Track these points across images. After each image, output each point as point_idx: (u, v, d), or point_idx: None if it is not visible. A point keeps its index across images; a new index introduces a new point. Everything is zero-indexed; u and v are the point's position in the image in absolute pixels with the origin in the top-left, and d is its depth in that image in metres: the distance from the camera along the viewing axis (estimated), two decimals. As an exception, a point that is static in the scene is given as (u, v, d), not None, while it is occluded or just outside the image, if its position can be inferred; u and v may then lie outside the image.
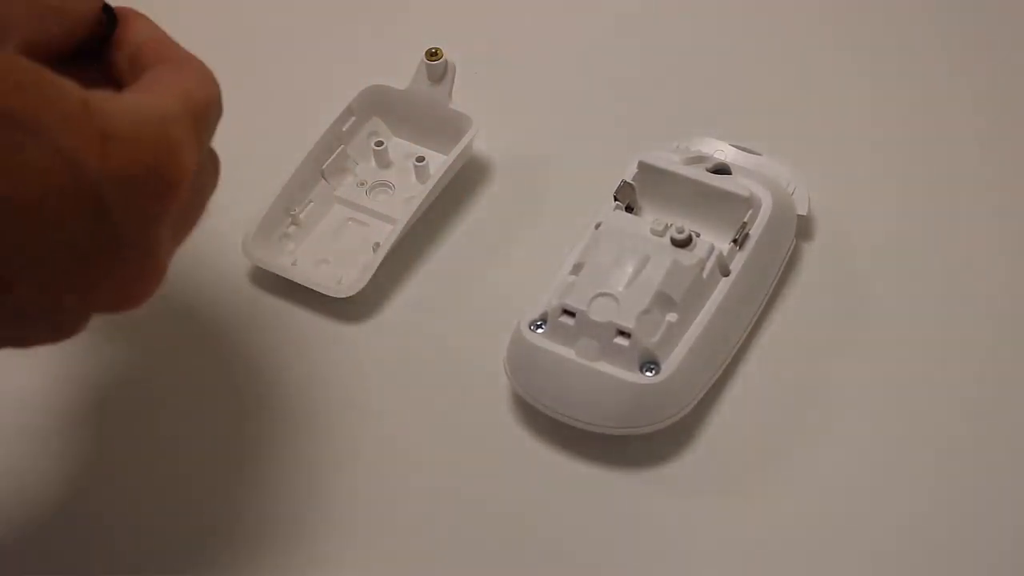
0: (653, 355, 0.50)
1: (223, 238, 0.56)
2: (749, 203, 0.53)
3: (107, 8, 0.42)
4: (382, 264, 0.55)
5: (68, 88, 0.36)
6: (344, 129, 0.59)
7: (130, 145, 0.36)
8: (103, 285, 0.37)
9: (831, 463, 0.51)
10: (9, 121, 0.34)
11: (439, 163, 0.58)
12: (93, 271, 0.37)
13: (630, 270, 0.50)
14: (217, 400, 0.54)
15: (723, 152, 0.57)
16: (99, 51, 0.42)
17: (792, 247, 0.55)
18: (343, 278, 0.55)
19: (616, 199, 0.54)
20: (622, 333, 0.49)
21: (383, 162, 0.60)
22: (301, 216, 0.58)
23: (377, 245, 0.56)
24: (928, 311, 0.55)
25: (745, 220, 0.52)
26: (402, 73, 0.59)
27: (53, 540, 0.50)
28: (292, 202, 0.57)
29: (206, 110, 0.40)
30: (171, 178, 0.37)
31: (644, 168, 0.54)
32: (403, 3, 0.68)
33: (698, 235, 0.51)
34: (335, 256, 0.57)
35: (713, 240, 0.52)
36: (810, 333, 0.55)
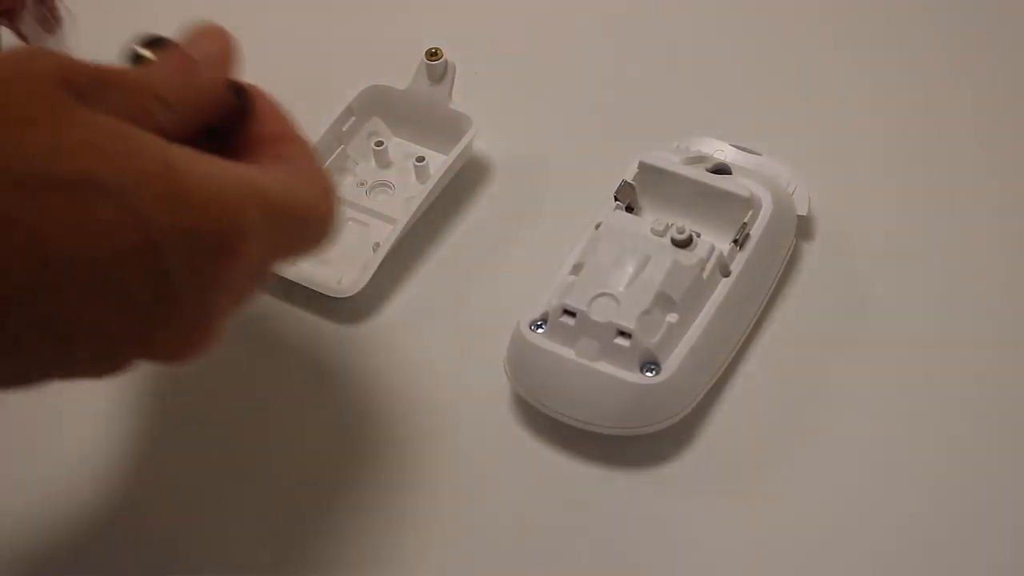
0: (653, 355, 0.50)
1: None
2: (749, 203, 0.53)
3: (240, 92, 0.42)
4: (382, 264, 0.55)
5: (150, 146, 0.36)
6: (344, 129, 0.59)
7: (201, 207, 0.36)
8: (157, 340, 0.37)
9: (831, 463, 0.51)
10: (84, 182, 0.34)
11: (439, 163, 0.58)
12: (149, 327, 0.37)
13: (630, 270, 0.50)
14: (216, 400, 0.54)
15: (723, 152, 0.57)
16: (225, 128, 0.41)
17: (792, 247, 0.55)
18: (343, 278, 0.55)
19: (616, 199, 0.54)
20: (622, 333, 0.49)
21: (383, 162, 0.60)
22: (301, 216, 0.58)
23: (377, 245, 0.56)
24: (928, 311, 0.55)
25: (745, 220, 0.52)
26: (402, 73, 0.59)
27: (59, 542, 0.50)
28: (292, 202, 0.57)
29: (301, 219, 0.40)
30: (231, 247, 0.37)
31: (644, 168, 0.54)
32: (403, 3, 0.68)
33: (698, 235, 0.51)
34: (335, 256, 0.57)
35: (713, 240, 0.52)
36: (810, 333, 0.55)
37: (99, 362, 0.37)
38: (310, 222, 0.41)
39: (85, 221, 0.34)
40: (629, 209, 0.54)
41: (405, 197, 0.58)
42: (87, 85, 0.36)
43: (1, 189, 0.33)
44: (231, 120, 0.41)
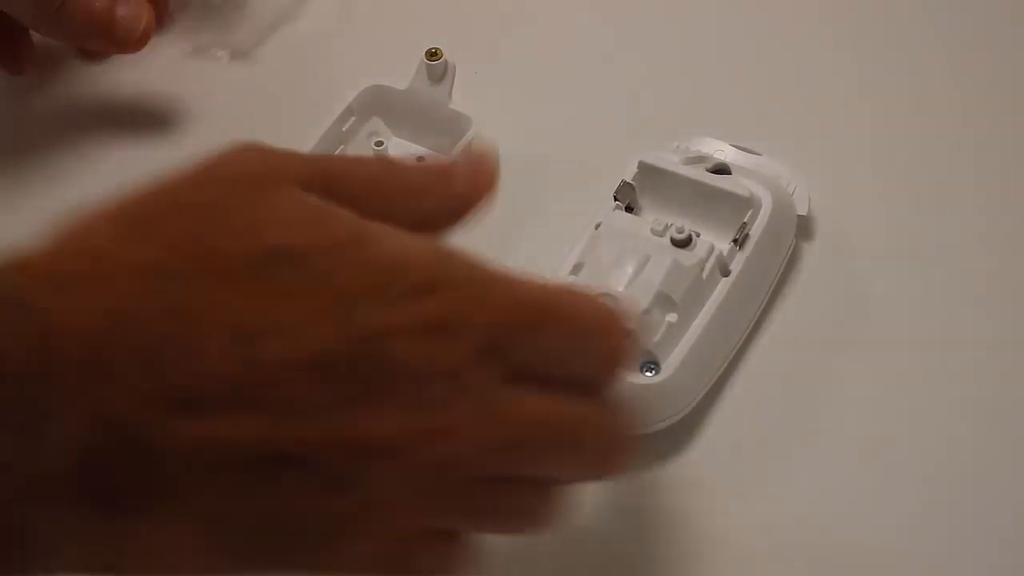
0: (653, 355, 0.50)
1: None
2: (749, 203, 0.53)
3: None
4: (382, 264, 0.55)
5: (344, 217, 0.35)
6: (344, 129, 0.59)
7: (389, 270, 0.34)
8: (366, 432, 0.34)
9: (831, 463, 0.51)
10: (272, 256, 0.33)
11: (439, 163, 0.58)
12: (359, 412, 0.34)
13: (630, 270, 0.50)
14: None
15: (723, 152, 0.57)
16: None
17: (792, 247, 0.55)
18: (343, 278, 0.55)
19: (616, 199, 0.54)
20: None
21: (383, 162, 0.60)
22: (301, 216, 0.57)
23: (377, 245, 0.56)
24: (928, 311, 0.55)
25: (745, 220, 0.52)
26: (402, 73, 0.59)
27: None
28: (292, 202, 0.57)
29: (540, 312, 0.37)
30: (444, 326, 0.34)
31: (644, 168, 0.54)
32: (403, 3, 0.68)
33: (698, 235, 0.51)
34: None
35: (713, 240, 0.52)
36: (810, 333, 0.55)
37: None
38: (563, 324, 0.37)
39: (277, 294, 0.33)
40: (629, 209, 0.54)
41: (405, 197, 0.58)
42: (318, 178, 0.36)
43: (190, 268, 0.33)
44: None
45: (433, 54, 0.58)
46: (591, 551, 0.49)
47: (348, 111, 0.59)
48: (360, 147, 0.59)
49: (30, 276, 0.33)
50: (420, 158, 0.58)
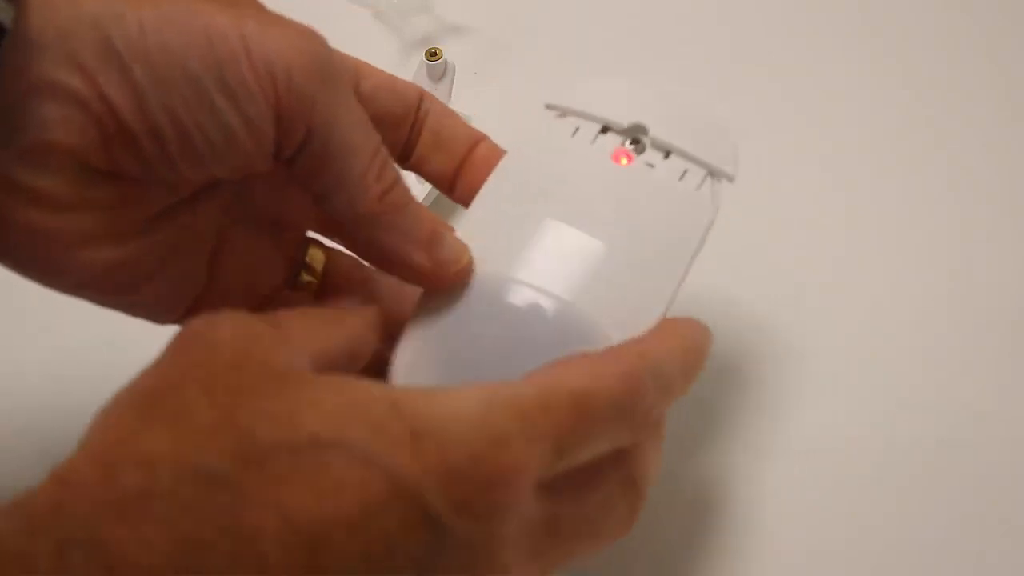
0: None
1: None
2: None
3: None
4: (382, 264, 0.55)
5: (375, 393, 0.34)
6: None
7: (441, 438, 0.33)
8: None
9: (830, 464, 0.51)
10: (310, 445, 0.32)
11: (439, 163, 0.57)
12: None
13: None
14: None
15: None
16: None
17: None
18: (343, 278, 0.55)
19: None
20: None
21: (383, 162, 0.59)
22: (301, 216, 0.57)
23: (377, 245, 0.56)
24: (927, 316, 0.55)
25: None
26: (402, 73, 0.59)
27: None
28: (292, 202, 0.57)
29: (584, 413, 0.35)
30: (494, 471, 0.34)
31: None
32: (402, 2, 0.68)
33: None
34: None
35: None
36: (806, 334, 0.55)
37: None
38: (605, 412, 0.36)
39: (324, 482, 0.32)
40: None
41: (405, 197, 0.58)
42: (286, 349, 0.35)
43: (233, 466, 0.32)
44: None
45: (433, 54, 0.58)
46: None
47: (348, 111, 0.59)
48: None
49: (92, 503, 0.31)
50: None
